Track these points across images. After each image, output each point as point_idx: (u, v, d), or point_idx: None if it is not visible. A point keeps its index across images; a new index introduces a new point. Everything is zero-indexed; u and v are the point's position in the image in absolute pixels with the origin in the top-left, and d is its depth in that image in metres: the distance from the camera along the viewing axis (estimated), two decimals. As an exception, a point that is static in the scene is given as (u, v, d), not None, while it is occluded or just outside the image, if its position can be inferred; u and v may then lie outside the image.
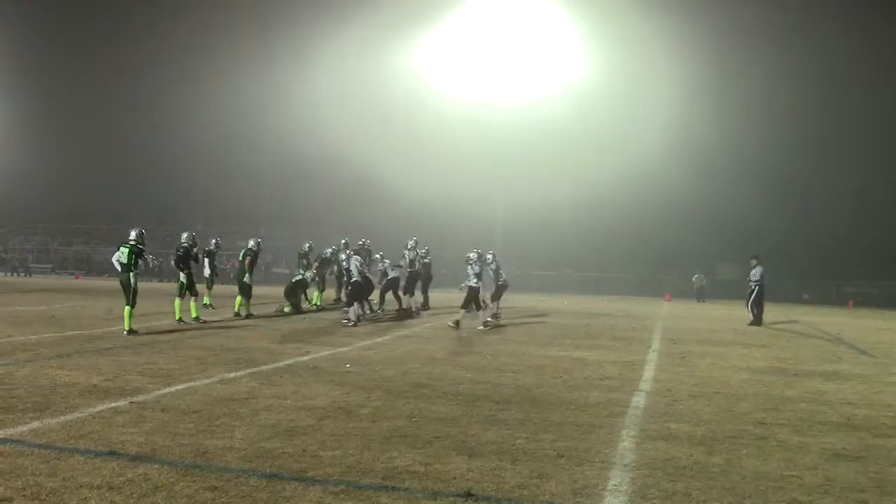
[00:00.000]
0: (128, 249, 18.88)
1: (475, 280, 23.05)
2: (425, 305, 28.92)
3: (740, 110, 54.09)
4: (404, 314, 26.27)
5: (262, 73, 62.25)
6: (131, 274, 18.79)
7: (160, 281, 53.97)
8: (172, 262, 23.44)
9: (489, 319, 24.26)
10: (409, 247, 27.98)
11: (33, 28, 70.10)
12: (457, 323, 22.19)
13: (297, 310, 26.34)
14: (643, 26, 52.51)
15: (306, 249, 29.07)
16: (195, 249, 22.85)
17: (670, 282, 51.34)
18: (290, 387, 11.60)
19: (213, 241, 27.67)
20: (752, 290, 27.73)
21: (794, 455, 8.40)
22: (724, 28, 54.73)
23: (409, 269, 27.59)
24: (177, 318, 21.83)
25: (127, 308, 18.65)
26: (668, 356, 17.10)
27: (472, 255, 23.46)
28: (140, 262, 19.13)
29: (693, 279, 49.25)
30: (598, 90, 54.46)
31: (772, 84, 54.24)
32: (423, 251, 28.54)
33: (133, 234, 19.23)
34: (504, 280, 26.10)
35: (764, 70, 54.67)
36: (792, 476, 7.58)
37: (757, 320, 27.26)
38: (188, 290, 22.06)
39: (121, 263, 18.90)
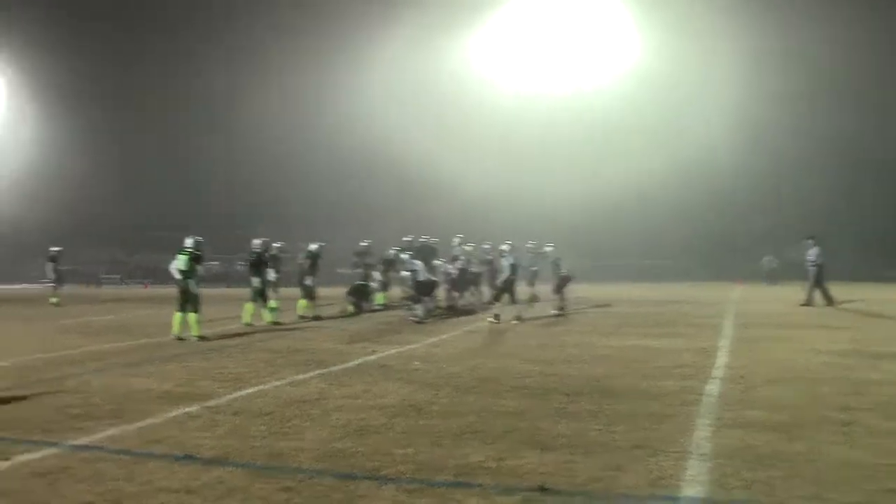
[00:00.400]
0: (186, 257, 19.02)
1: (509, 272, 22.89)
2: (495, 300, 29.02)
3: (804, 88, 53.10)
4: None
5: (315, 75, 62.36)
6: (190, 281, 18.93)
7: (227, 286, 54.48)
8: (247, 267, 23.73)
9: (554, 311, 24.17)
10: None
11: (94, 39, 70.96)
12: (497, 317, 22.01)
13: (358, 309, 26.40)
14: (698, 6, 51.95)
15: (363, 248, 29.01)
16: (267, 254, 23.12)
17: (740, 266, 50.57)
18: (359, 386, 11.60)
19: (276, 245, 27.89)
20: (814, 272, 27.30)
21: (884, 441, 8.14)
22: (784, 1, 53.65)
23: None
24: (245, 321, 22.07)
25: (193, 315, 18.78)
26: (741, 341, 16.83)
27: (505, 248, 23.24)
28: (198, 268, 19.23)
29: (763, 261, 48.54)
30: (654, 74, 53.94)
31: (837, 59, 53.21)
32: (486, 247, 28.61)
33: (190, 242, 19.38)
34: (567, 272, 25.91)
35: (830, 45, 53.62)
36: (882, 464, 7.32)
37: (828, 300, 26.80)
38: (259, 295, 22.31)
39: (179, 271, 19.01)
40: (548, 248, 26.03)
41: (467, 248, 28.35)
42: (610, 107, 54.84)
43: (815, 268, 27.21)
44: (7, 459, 7.70)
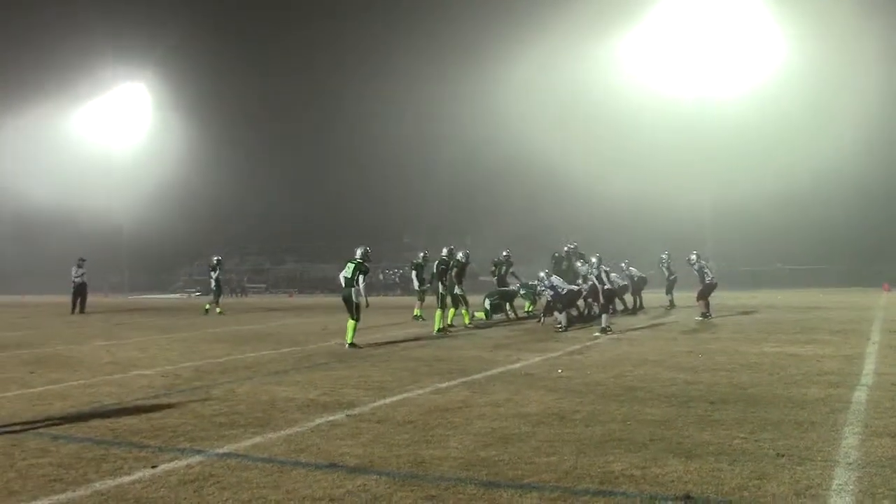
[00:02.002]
0: (353, 266, 19.42)
1: (594, 282, 22.51)
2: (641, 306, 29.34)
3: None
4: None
5: (459, 81, 62.70)
6: (353, 290, 19.32)
7: (392, 295, 55.64)
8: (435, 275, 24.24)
9: (698, 317, 23.90)
10: (692, 261, 27.69)
11: (239, 53, 72.88)
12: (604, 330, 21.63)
13: (487, 317, 26.47)
14: (845, 8, 50.59)
15: (503, 258, 28.95)
16: (452, 262, 23.82)
17: (888, 271, 48.99)
18: (502, 394, 11.63)
19: (421, 254, 28.17)
20: None
21: None
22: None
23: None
24: (435, 329, 22.76)
25: (351, 322, 19.15)
26: (890, 348, 16.29)
27: (594, 260, 22.72)
28: (362, 278, 19.47)
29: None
30: (798, 77, 52.69)
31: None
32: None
33: (359, 252, 19.80)
34: (712, 278, 25.58)
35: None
36: None
37: None
38: (443, 303, 23.11)
39: (344, 279, 19.54)
40: (692, 256, 25.79)
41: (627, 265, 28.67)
42: (756, 110, 53.78)
43: None
44: (154, 467, 7.94)
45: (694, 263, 25.54)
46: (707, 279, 25.31)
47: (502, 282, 28.36)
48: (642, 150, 55.40)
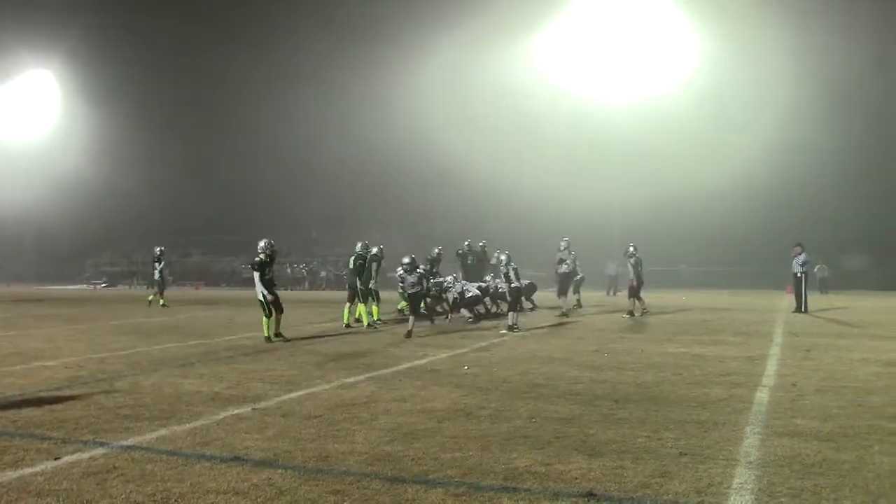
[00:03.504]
0: (354, 259, 23.26)
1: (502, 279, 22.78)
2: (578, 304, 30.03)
3: (859, 114, 52.56)
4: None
5: (371, 80, 62.68)
6: (358, 278, 22.87)
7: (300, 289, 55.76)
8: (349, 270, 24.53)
9: (627, 315, 24.41)
10: (561, 248, 27.99)
11: (159, 40, 72.14)
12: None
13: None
14: (756, 16, 51.65)
15: (435, 255, 28.76)
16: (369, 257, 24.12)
17: (790, 274, 50.16)
18: (409, 390, 11.66)
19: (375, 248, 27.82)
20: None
21: (933, 450, 8.06)
22: (855, 26, 52.88)
23: (566, 270, 27.71)
24: (345, 322, 23.27)
25: (361, 306, 22.93)
26: (791, 350, 16.66)
27: (503, 258, 22.43)
28: (375, 266, 23.62)
29: (815, 270, 47.90)
30: (712, 84, 53.62)
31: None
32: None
33: (359, 247, 23.67)
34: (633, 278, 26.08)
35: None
36: (931, 473, 7.26)
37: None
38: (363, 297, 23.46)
39: (349, 270, 23.57)
40: (631, 248, 26.02)
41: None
42: (667, 113, 54.54)
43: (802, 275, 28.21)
44: (57, 459, 7.83)
45: (631, 256, 25.73)
46: (633, 273, 25.64)
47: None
48: (550, 149, 55.94)
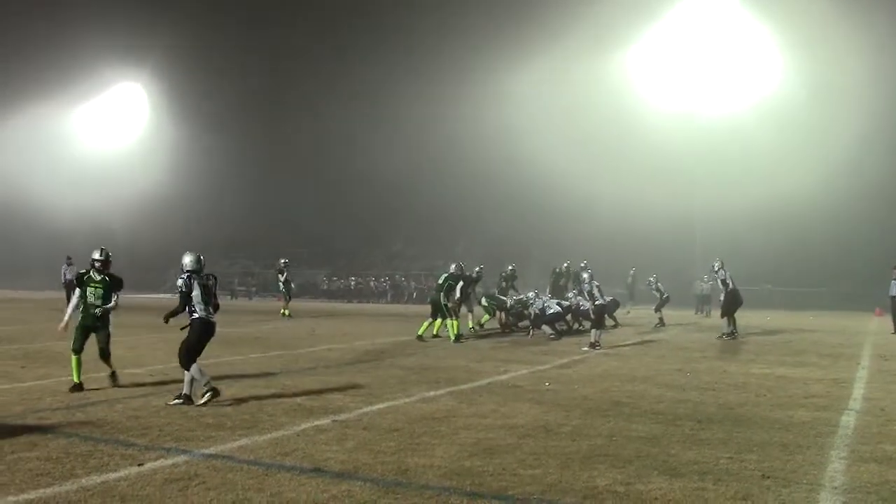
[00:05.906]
0: (445, 276, 23.69)
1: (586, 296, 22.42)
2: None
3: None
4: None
5: (463, 91, 62.55)
6: (441, 294, 23.14)
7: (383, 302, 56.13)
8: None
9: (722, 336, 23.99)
10: (715, 268, 25.53)
11: (239, 59, 72.93)
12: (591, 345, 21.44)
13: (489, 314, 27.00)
14: (843, 29, 50.79)
15: (509, 272, 28.69)
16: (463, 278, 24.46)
17: (880, 296, 49.05)
18: (489, 405, 11.64)
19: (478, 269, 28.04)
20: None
21: None
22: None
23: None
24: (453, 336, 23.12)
25: (450, 322, 22.89)
26: (880, 373, 16.30)
27: (585, 276, 22.33)
28: (460, 285, 23.44)
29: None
30: (798, 99, 52.72)
31: None
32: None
33: (452, 267, 24.02)
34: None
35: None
36: None
37: None
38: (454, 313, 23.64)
39: (438, 286, 23.69)
40: (716, 263, 25.25)
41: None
42: (754, 127, 53.85)
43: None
44: (140, 465, 7.98)
45: (717, 271, 24.96)
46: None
47: (503, 293, 28.16)
48: (636, 163, 55.38)
